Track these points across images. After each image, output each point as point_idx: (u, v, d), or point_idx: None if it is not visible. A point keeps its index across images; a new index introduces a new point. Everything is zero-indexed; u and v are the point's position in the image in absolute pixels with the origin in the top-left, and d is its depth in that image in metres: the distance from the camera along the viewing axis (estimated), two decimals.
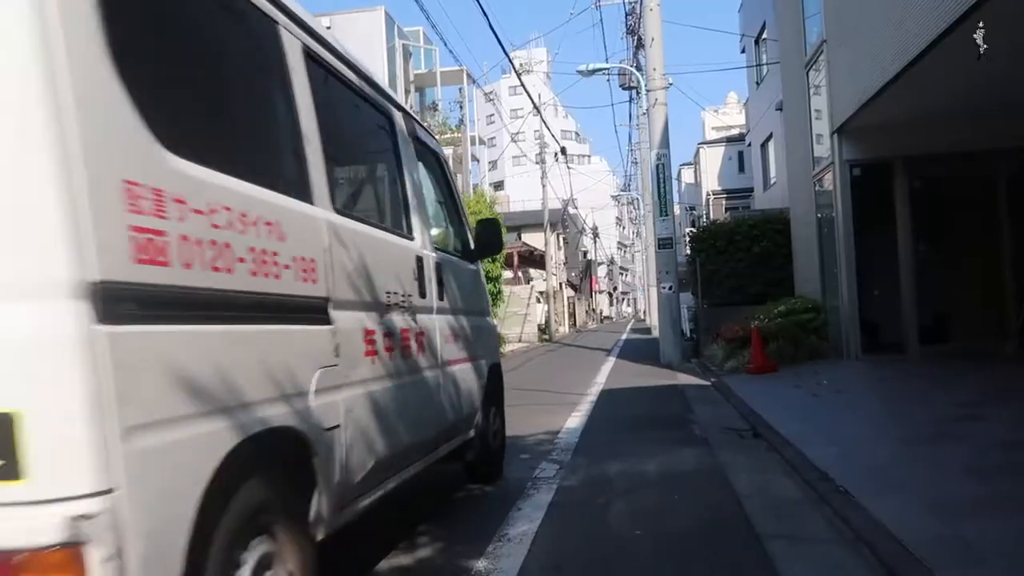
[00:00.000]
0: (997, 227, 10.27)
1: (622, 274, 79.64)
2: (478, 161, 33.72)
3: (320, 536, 2.35)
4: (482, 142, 36.18)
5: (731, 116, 41.85)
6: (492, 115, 53.63)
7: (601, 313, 60.61)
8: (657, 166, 13.46)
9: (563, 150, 30.62)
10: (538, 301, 28.04)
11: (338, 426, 2.43)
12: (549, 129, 30.75)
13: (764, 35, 21.30)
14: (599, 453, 5.54)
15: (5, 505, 1.37)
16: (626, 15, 24.89)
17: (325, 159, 2.59)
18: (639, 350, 17.60)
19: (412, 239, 3.49)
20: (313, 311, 2.37)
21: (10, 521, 1.37)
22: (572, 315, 40.58)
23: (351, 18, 23.43)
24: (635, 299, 70.19)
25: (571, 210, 41.19)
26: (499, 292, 18.89)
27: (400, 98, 4.46)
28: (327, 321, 2.44)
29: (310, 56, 2.65)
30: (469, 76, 28.17)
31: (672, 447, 5.66)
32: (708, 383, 9.82)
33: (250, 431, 1.88)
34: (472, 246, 4.61)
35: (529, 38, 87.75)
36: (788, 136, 13.65)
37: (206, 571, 1.70)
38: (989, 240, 10.27)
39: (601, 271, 62.68)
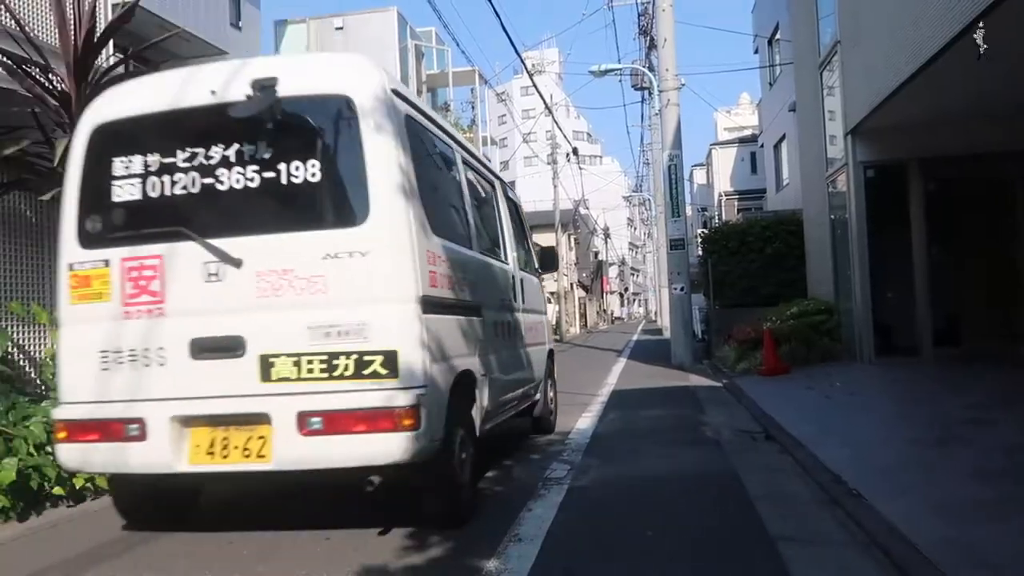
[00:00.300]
0: (1012, 230, 10.18)
1: (633, 275, 79.44)
2: (490, 162, 33.77)
3: (476, 434, 4.11)
4: (494, 142, 36.22)
5: (744, 117, 41.68)
6: (504, 115, 53.64)
7: (612, 314, 60.50)
8: (669, 167, 13.43)
9: (575, 151, 30.62)
10: (549, 302, 28.02)
11: (484, 374, 4.29)
12: (561, 130, 30.73)
13: (778, 36, 21.20)
14: (610, 454, 5.54)
15: (390, 389, 3.23)
16: (639, 16, 24.87)
17: (476, 222, 4.71)
18: (650, 351, 17.56)
19: (508, 264, 5.45)
20: (473, 310, 4.29)
21: (394, 396, 3.21)
22: (583, 316, 40.52)
23: (364, 18, 23.49)
24: (646, 300, 70.02)
25: (582, 211, 41.14)
26: None
27: (497, 168, 6.48)
28: (481, 315, 4.42)
29: (466, 163, 4.85)
30: (481, 76, 28.21)
31: (684, 448, 5.66)
32: (720, 384, 9.80)
33: (461, 367, 3.86)
34: (536, 265, 6.62)
35: (541, 39, 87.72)
36: (801, 137, 13.59)
37: (449, 424, 3.56)
38: (1004, 243, 10.18)
39: (612, 272, 62.54)
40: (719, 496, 4.19)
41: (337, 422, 3.22)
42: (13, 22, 5.15)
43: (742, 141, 34.40)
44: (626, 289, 75.31)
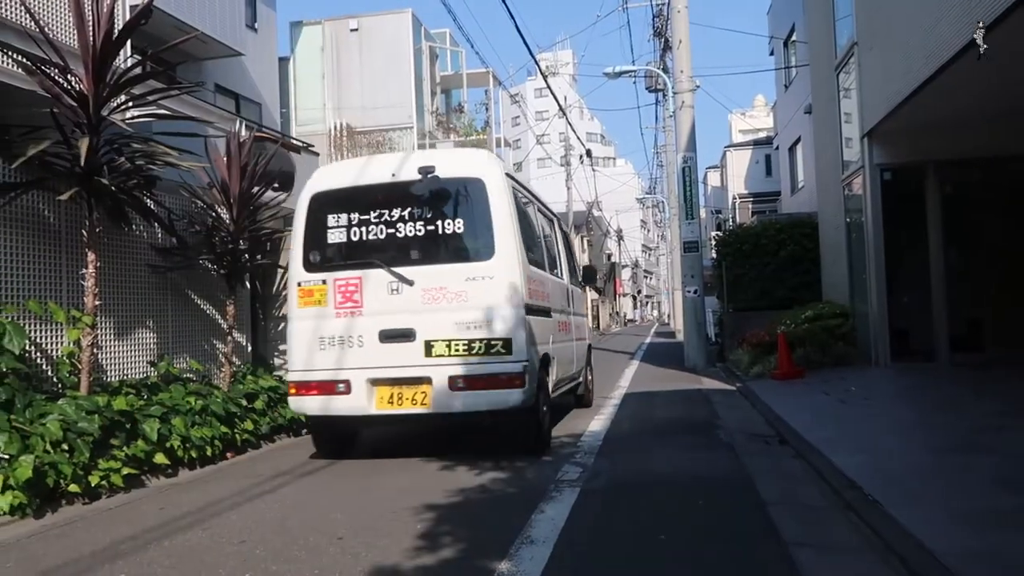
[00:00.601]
0: None
1: (646, 277, 79.17)
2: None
3: (550, 398, 6.13)
4: (507, 144, 36.20)
5: (759, 119, 41.44)
6: (518, 117, 53.66)
7: (625, 316, 60.30)
8: (683, 169, 13.38)
9: (588, 152, 30.58)
10: None
11: (554, 357, 6.19)
12: (575, 131, 30.69)
13: (793, 37, 21.06)
14: (623, 457, 5.52)
15: (507, 362, 5.22)
16: (653, 17, 24.78)
17: (546, 251, 6.72)
18: (663, 354, 17.49)
19: (563, 280, 7.49)
20: (548, 313, 6.24)
21: (509, 366, 5.21)
22: (595, 318, 40.40)
23: (379, 20, 23.56)
24: (659, 302, 69.73)
25: (596, 213, 41.06)
26: None
27: (547, 202, 7.82)
28: (548, 316, 6.24)
29: (539, 210, 6.96)
30: (495, 78, 28.23)
31: (697, 452, 5.63)
32: (733, 388, 9.74)
33: (543, 351, 5.82)
34: (580, 278, 8.67)
35: (556, 40, 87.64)
36: (817, 139, 13.48)
37: (538, 387, 5.55)
38: None
39: (625, 274, 62.35)
40: (732, 500, 4.16)
41: (474, 382, 5.22)
42: (33, 23, 5.20)
43: (757, 143, 34.18)
44: (639, 292, 75.05)
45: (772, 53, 24.54)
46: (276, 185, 7.55)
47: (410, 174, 5.49)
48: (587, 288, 12.10)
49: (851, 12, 10.03)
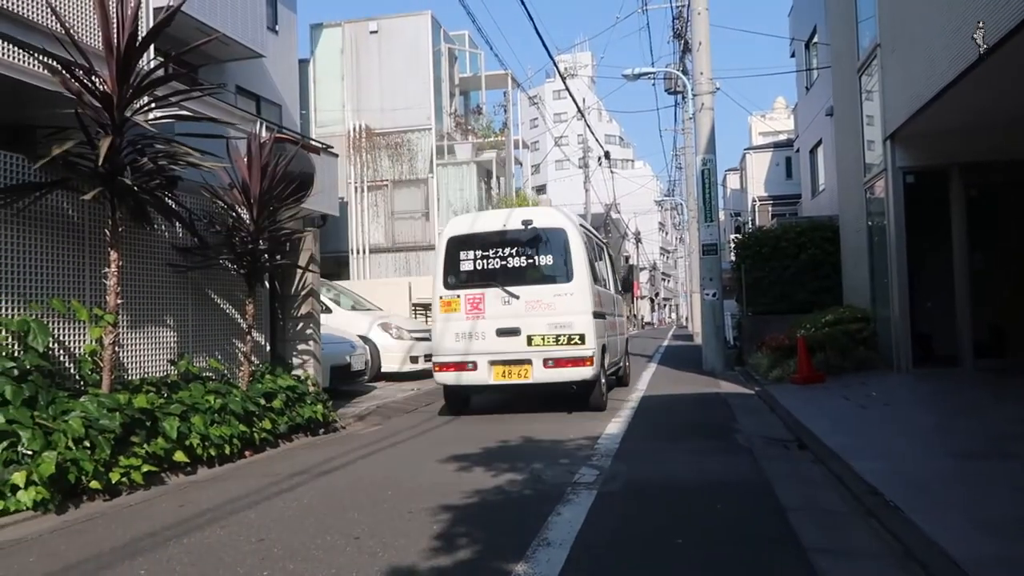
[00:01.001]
0: None
1: (664, 280, 78.82)
2: (521, 165, 33.73)
3: (606, 374, 8.82)
4: (526, 146, 36.18)
5: (779, 121, 41.14)
6: (536, 119, 53.64)
7: (642, 319, 60.04)
8: (703, 171, 13.30)
9: (607, 154, 30.48)
10: None
11: (607, 347, 8.72)
12: (593, 133, 30.64)
13: (815, 39, 20.89)
14: (640, 460, 5.50)
15: (583, 349, 7.79)
16: (673, 19, 24.68)
17: (600, 271, 9.31)
18: (681, 357, 17.39)
19: (610, 290, 10.06)
20: (603, 316, 8.73)
21: (584, 351, 7.77)
22: None
23: (398, 22, 23.64)
24: (677, 305, 69.35)
25: (613, 215, 40.94)
26: None
27: (590, 226, 10.93)
28: (604, 319, 8.70)
29: (598, 244, 10.07)
30: (513, 80, 28.22)
31: (715, 456, 5.59)
32: (752, 392, 9.66)
33: (602, 343, 8.30)
34: (620, 287, 11.37)
35: (575, 42, 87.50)
36: (838, 142, 13.36)
37: (601, 367, 8.25)
38: None
39: (643, 276, 62.11)
40: (751, 505, 4.12)
41: (561, 362, 7.72)
42: (59, 26, 5.27)
43: (777, 146, 33.94)
44: (657, 294, 74.73)
45: (793, 55, 24.36)
46: (296, 186, 7.58)
47: (515, 224, 8.16)
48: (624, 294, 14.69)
49: (874, 14, 9.93)
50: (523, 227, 8.05)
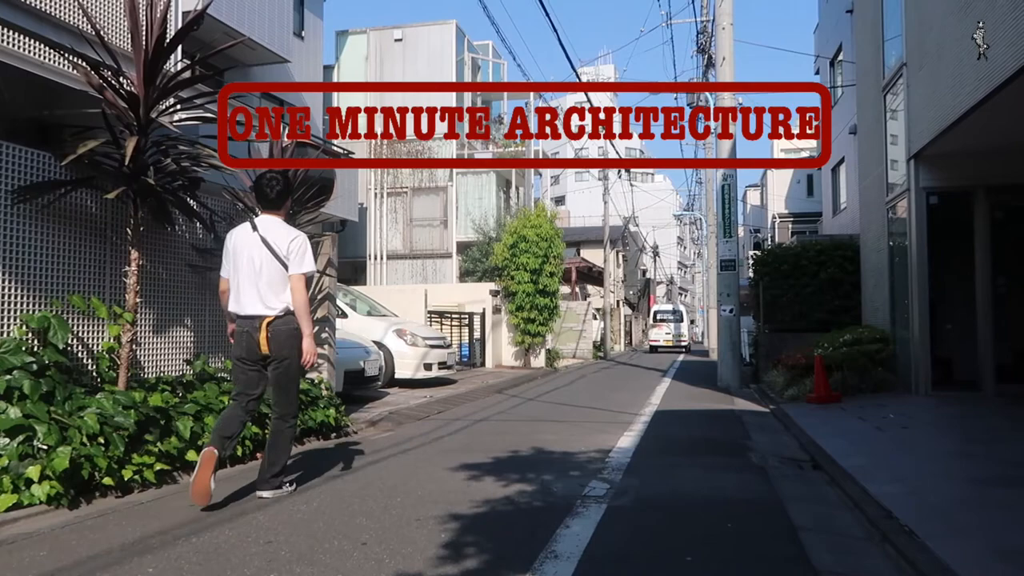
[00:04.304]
0: None
1: (681, 295, 78.40)
2: (540, 175, 33.83)
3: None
4: (546, 156, 36.22)
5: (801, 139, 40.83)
6: None
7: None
8: (723, 187, 13.25)
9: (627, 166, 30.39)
10: (594, 318, 27.80)
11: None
12: (613, 146, 30.61)
13: (840, 57, 20.77)
14: (651, 475, 5.45)
15: (683, 340, 34.40)
16: (697, 33, 24.65)
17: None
18: (696, 373, 17.28)
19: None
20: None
21: (684, 342, 34.35)
22: (628, 333, 40.12)
23: (423, 31, 23.83)
24: (693, 320, 68.91)
25: (632, 228, 40.83)
26: (555, 307, 18.78)
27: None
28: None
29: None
30: (536, 91, 28.27)
31: (727, 473, 5.53)
32: (767, 410, 9.57)
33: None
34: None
35: (598, 54, 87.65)
36: (861, 161, 13.25)
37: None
38: None
39: (660, 291, 61.86)
40: (762, 524, 4.07)
41: (678, 345, 32.12)
42: (89, 26, 5.36)
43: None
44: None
45: (817, 72, 24.23)
46: (316, 190, 7.63)
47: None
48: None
49: (900, 33, 9.86)
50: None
